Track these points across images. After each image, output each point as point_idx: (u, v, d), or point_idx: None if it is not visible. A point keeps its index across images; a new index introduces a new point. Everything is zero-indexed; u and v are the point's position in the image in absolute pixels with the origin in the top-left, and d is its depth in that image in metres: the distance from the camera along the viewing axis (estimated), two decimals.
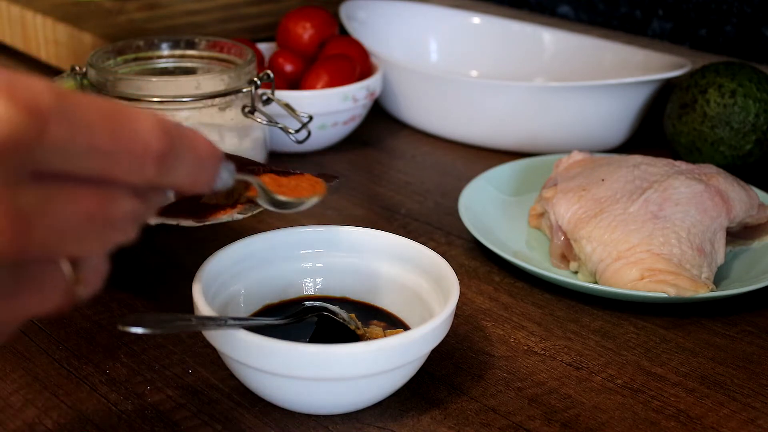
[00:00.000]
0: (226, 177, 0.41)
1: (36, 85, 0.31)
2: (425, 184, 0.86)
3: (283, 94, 0.85)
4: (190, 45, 0.81)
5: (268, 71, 0.78)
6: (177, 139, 0.36)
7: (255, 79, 0.76)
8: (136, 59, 0.80)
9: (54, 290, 0.34)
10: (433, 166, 0.91)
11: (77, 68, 0.76)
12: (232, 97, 0.75)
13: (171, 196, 0.40)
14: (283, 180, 0.53)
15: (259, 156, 0.80)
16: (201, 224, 0.56)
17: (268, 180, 0.51)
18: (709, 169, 0.72)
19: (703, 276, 0.65)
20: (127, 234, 0.36)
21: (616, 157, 0.76)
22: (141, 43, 0.80)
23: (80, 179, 0.33)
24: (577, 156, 0.77)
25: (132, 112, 0.34)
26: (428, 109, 0.96)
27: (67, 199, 0.32)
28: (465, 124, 0.94)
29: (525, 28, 1.07)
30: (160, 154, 0.35)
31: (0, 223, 0.30)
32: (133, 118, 0.34)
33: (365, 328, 0.58)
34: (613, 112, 0.90)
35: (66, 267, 0.34)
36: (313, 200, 0.53)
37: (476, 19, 1.09)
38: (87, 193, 0.33)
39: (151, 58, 0.80)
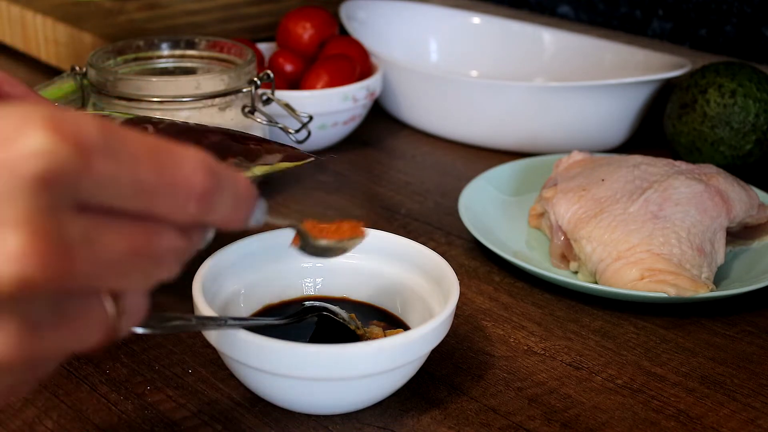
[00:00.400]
0: (259, 215, 0.41)
1: (83, 120, 0.32)
2: (425, 184, 0.86)
3: (283, 94, 0.85)
4: (190, 45, 0.81)
5: (268, 71, 0.78)
6: (220, 178, 0.36)
7: (255, 79, 0.76)
8: (136, 59, 0.80)
9: (96, 325, 0.34)
10: (433, 166, 0.91)
11: (77, 68, 0.76)
12: (232, 97, 0.76)
13: (210, 237, 0.40)
14: (324, 225, 0.53)
15: None
16: None
17: (309, 226, 0.52)
18: (709, 169, 0.72)
19: (703, 276, 0.65)
20: (170, 270, 0.36)
21: (616, 157, 0.76)
22: (141, 43, 0.80)
23: (124, 214, 0.33)
24: (577, 156, 0.77)
25: (177, 149, 0.34)
26: (428, 109, 0.96)
27: (111, 233, 0.32)
28: (465, 124, 0.94)
29: (525, 28, 1.07)
30: (204, 192, 0.35)
31: (43, 252, 0.30)
32: (179, 155, 0.34)
33: (365, 328, 0.58)
34: (613, 112, 0.90)
35: (108, 304, 0.34)
36: (355, 242, 0.53)
37: (476, 19, 1.09)
38: (131, 228, 0.33)
39: (151, 58, 0.80)
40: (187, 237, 0.36)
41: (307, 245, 0.51)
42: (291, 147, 0.67)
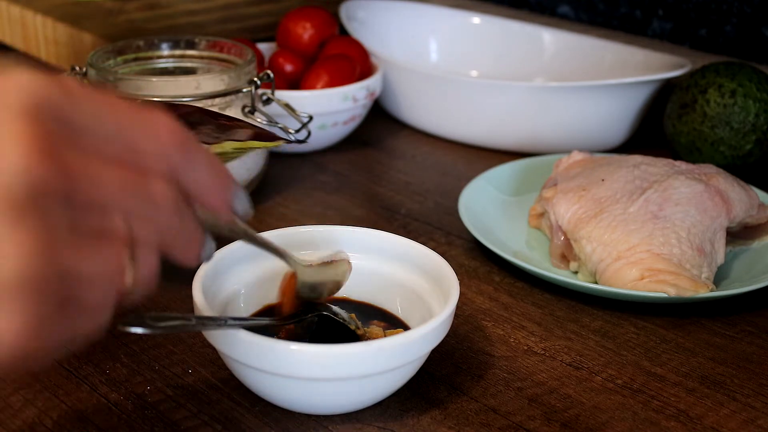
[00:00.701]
0: (242, 202, 0.42)
1: (59, 76, 0.35)
2: (425, 184, 0.86)
3: (283, 94, 0.85)
4: (190, 45, 0.81)
5: (268, 71, 0.78)
6: (191, 137, 0.38)
7: (255, 79, 0.76)
8: (136, 59, 0.80)
9: (112, 263, 0.35)
10: (433, 166, 0.91)
11: (77, 68, 0.76)
12: (232, 97, 0.76)
13: (213, 247, 0.42)
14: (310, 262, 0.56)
15: (259, 157, 0.80)
16: None
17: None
18: (709, 169, 0.72)
19: (703, 276, 0.65)
20: (169, 219, 0.37)
21: (616, 157, 0.76)
22: (141, 43, 0.80)
23: (111, 157, 0.35)
24: (577, 156, 0.77)
25: (151, 108, 0.37)
26: (428, 109, 0.96)
27: (101, 166, 0.35)
28: (465, 124, 0.94)
29: (525, 28, 1.07)
30: (180, 139, 0.37)
31: (45, 159, 0.32)
32: (152, 110, 0.37)
33: (365, 328, 0.58)
34: (613, 112, 0.90)
35: (124, 255, 0.35)
36: (344, 268, 0.56)
37: (476, 19, 1.09)
38: (120, 167, 0.35)
39: (151, 58, 0.81)
40: (177, 190, 0.37)
41: (301, 282, 0.54)
42: (263, 129, 0.67)
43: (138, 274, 0.36)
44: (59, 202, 0.33)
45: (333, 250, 0.58)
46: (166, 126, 0.37)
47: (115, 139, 0.35)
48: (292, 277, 0.55)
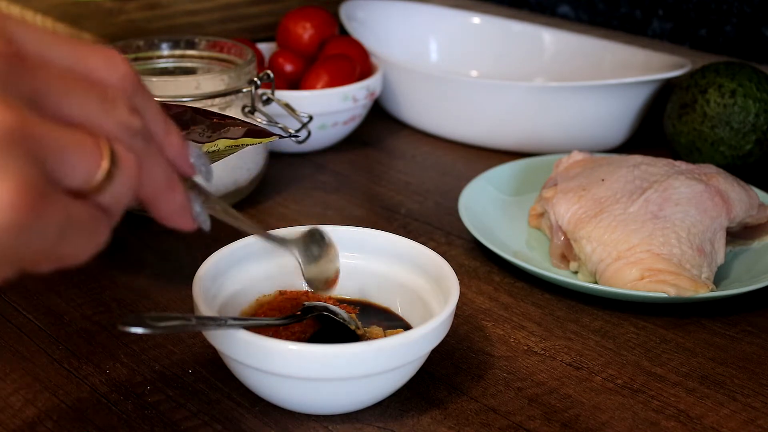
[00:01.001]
0: (202, 155, 0.42)
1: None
2: (425, 184, 0.86)
3: (283, 94, 0.85)
4: (190, 45, 0.81)
5: (268, 71, 0.78)
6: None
7: (255, 79, 0.76)
8: (136, 59, 0.80)
9: (87, 144, 0.34)
10: (433, 166, 0.91)
11: None
12: (232, 97, 0.75)
13: (204, 211, 0.41)
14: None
15: (259, 157, 0.80)
16: None
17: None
18: (709, 169, 0.72)
19: (703, 276, 0.65)
20: (127, 118, 0.36)
21: (616, 157, 0.76)
22: (141, 43, 0.80)
23: (60, 64, 0.35)
24: (577, 156, 0.77)
25: None
26: (428, 109, 0.96)
27: (58, 73, 0.34)
28: (465, 124, 0.94)
29: (525, 28, 1.07)
30: (135, 74, 0.37)
31: None
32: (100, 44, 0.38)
33: (365, 328, 0.57)
34: (613, 112, 0.90)
35: (99, 138, 0.35)
36: (332, 248, 0.56)
37: (476, 19, 1.09)
38: (69, 72, 0.35)
39: (151, 58, 0.81)
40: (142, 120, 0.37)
41: (306, 272, 0.54)
42: (255, 125, 0.67)
43: (117, 164, 0.35)
44: (12, 75, 0.32)
45: (308, 227, 0.58)
46: (122, 60, 0.37)
47: (71, 65, 0.35)
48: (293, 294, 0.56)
